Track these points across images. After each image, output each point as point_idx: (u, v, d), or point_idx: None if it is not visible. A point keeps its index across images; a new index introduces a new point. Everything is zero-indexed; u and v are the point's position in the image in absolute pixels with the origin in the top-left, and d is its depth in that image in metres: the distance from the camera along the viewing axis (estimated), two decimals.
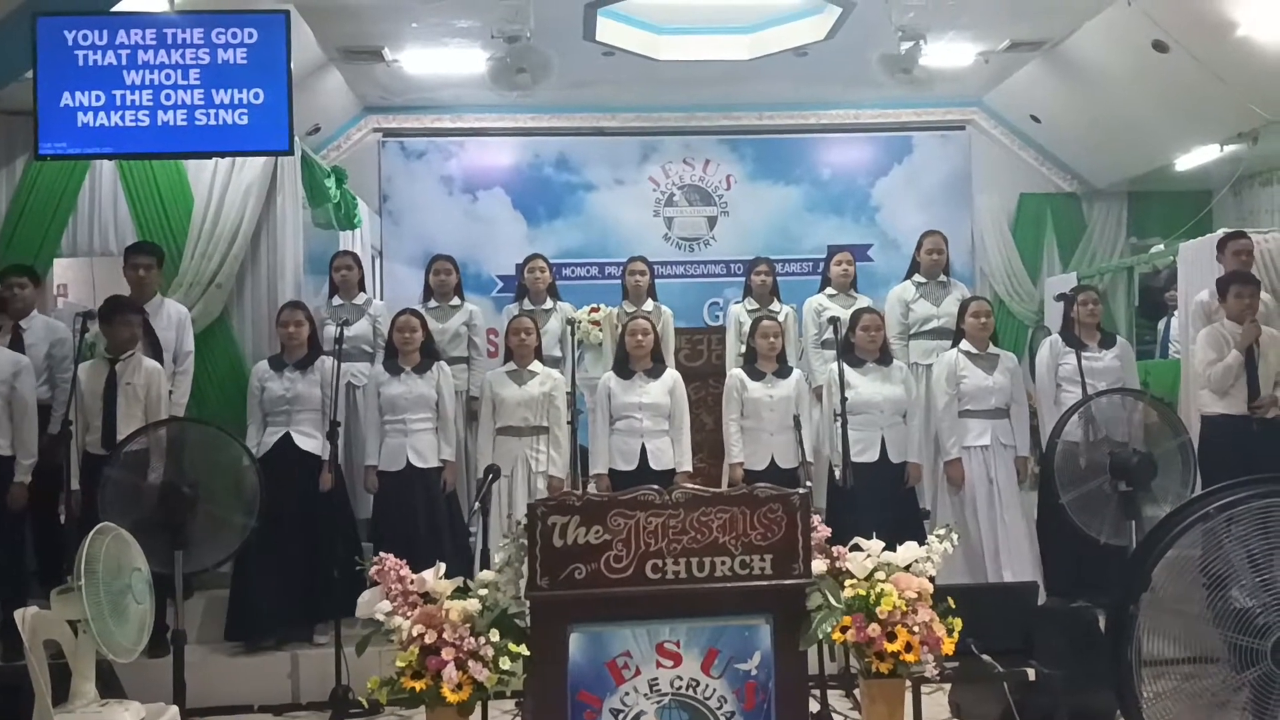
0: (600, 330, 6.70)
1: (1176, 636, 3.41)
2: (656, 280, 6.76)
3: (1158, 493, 4.88)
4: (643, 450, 5.46)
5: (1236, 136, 7.66)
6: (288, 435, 5.41)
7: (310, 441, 5.42)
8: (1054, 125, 9.01)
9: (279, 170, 6.25)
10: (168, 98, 5.19)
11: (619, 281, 6.78)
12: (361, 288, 6.42)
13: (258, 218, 6.23)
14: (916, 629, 3.51)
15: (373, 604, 3.57)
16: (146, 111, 5.19)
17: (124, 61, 5.16)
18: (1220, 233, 6.42)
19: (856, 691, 4.53)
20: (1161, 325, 8.52)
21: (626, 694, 3.30)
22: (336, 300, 6.30)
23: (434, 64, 7.88)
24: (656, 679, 3.31)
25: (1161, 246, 8.76)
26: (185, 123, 5.21)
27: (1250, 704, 3.34)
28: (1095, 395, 5.24)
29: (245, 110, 5.20)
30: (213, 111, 5.20)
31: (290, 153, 5.50)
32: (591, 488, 5.41)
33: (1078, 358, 5.58)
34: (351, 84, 8.35)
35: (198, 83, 5.20)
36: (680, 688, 3.32)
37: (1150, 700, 3.40)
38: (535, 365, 5.70)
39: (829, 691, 4.47)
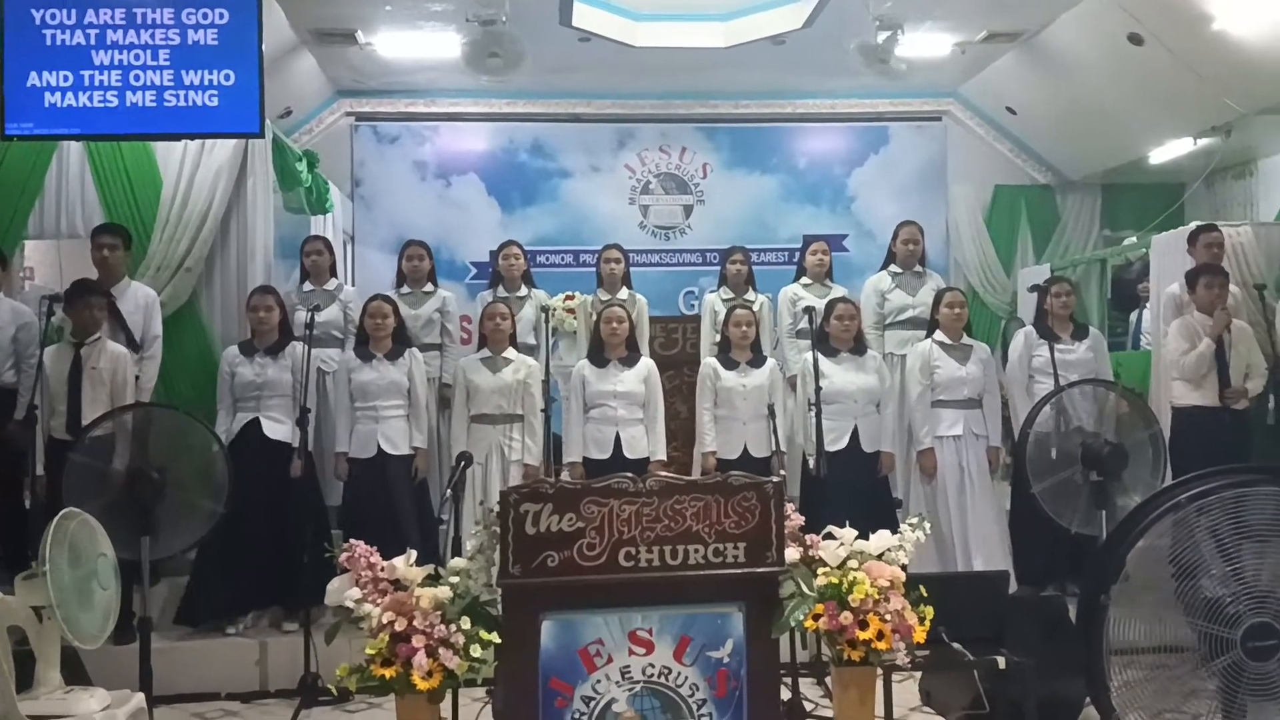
0: (575, 318, 6.68)
1: (1146, 626, 3.44)
2: (632, 268, 6.73)
3: (1128, 483, 4.92)
4: (617, 439, 5.45)
5: (1210, 130, 7.70)
6: (257, 421, 5.37)
7: (280, 428, 5.38)
8: (1029, 117, 9.04)
9: (249, 153, 6.18)
10: (137, 78, 5.10)
11: (594, 269, 6.75)
12: (333, 273, 6.36)
13: (228, 201, 6.16)
14: (888, 617, 3.51)
15: (342, 591, 3.54)
16: (115, 92, 5.10)
17: (92, 41, 5.07)
18: (1192, 225, 6.45)
19: (828, 679, 4.54)
20: (1133, 317, 8.58)
21: (598, 681, 3.29)
22: (307, 285, 6.25)
23: (408, 47, 7.81)
24: (628, 666, 3.31)
25: (1134, 239, 8.81)
26: (154, 104, 5.12)
27: (1219, 692, 3.37)
28: (1067, 386, 5.27)
29: (216, 92, 5.12)
30: (182, 93, 5.12)
31: (261, 135, 5.42)
32: (565, 476, 5.39)
33: (1050, 349, 5.61)
34: (324, 67, 8.27)
35: (167, 63, 5.12)
36: (652, 675, 3.32)
37: (1119, 688, 3.42)
38: (510, 352, 5.67)
39: (800, 679, 4.47)
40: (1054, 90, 8.30)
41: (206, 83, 5.12)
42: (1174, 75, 7.15)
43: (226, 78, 5.12)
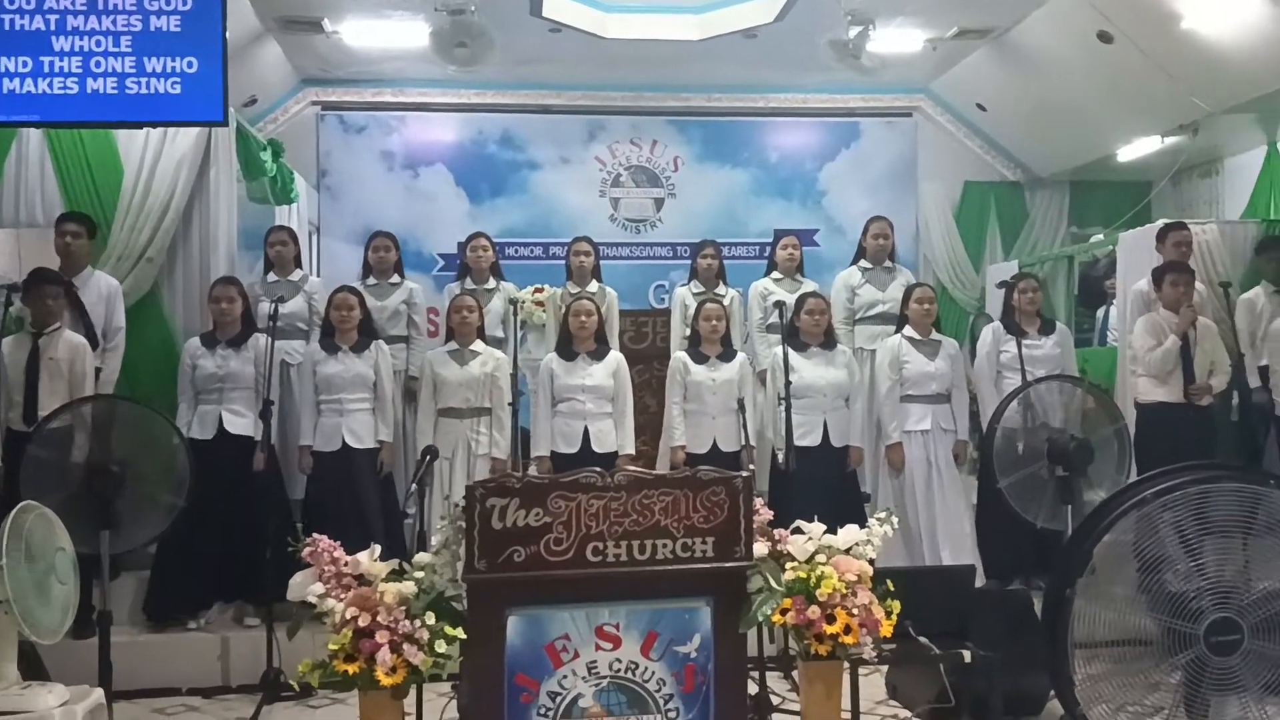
0: (543, 311, 6.66)
1: (1111, 620, 3.46)
2: (602, 261, 6.71)
3: (1094, 478, 4.95)
4: (585, 433, 5.43)
5: (1177, 128, 7.76)
6: (220, 414, 5.31)
7: (242, 421, 5.32)
8: (999, 114, 9.08)
9: (213, 142, 6.10)
10: (98, 65, 5.00)
11: (563, 262, 6.72)
12: (297, 264, 6.29)
13: (190, 190, 6.06)
14: (856, 611, 3.51)
15: (305, 586, 3.49)
16: (75, 79, 4.99)
17: (52, 27, 4.96)
18: (1160, 223, 6.50)
19: (795, 674, 4.54)
20: (1100, 314, 8.64)
21: (564, 677, 3.28)
22: (271, 276, 6.17)
23: (375, 36, 7.73)
24: (595, 661, 3.30)
25: (1101, 236, 8.87)
26: (116, 91, 5.02)
27: (1182, 686, 3.39)
28: (1034, 381, 5.29)
29: (178, 79, 5.03)
30: (144, 80, 5.02)
31: (225, 124, 5.36)
32: (532, 470, 5.36)
33: (1018, 345, 5.64)
34: (290, 55, 8.17)
35: (129, 50, 5.01)
36: (619, 670, 3.31)
37: (1083, 682, 3.44)
38: (477, 345, 5.63)
39: (767, 674, 4.47)
40: (1024, 87, 8.34)
41: (169, 70, 5.02)
42: (1143, 73, 7.20)
43: (189, 65, 5.03)
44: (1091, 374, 5.85)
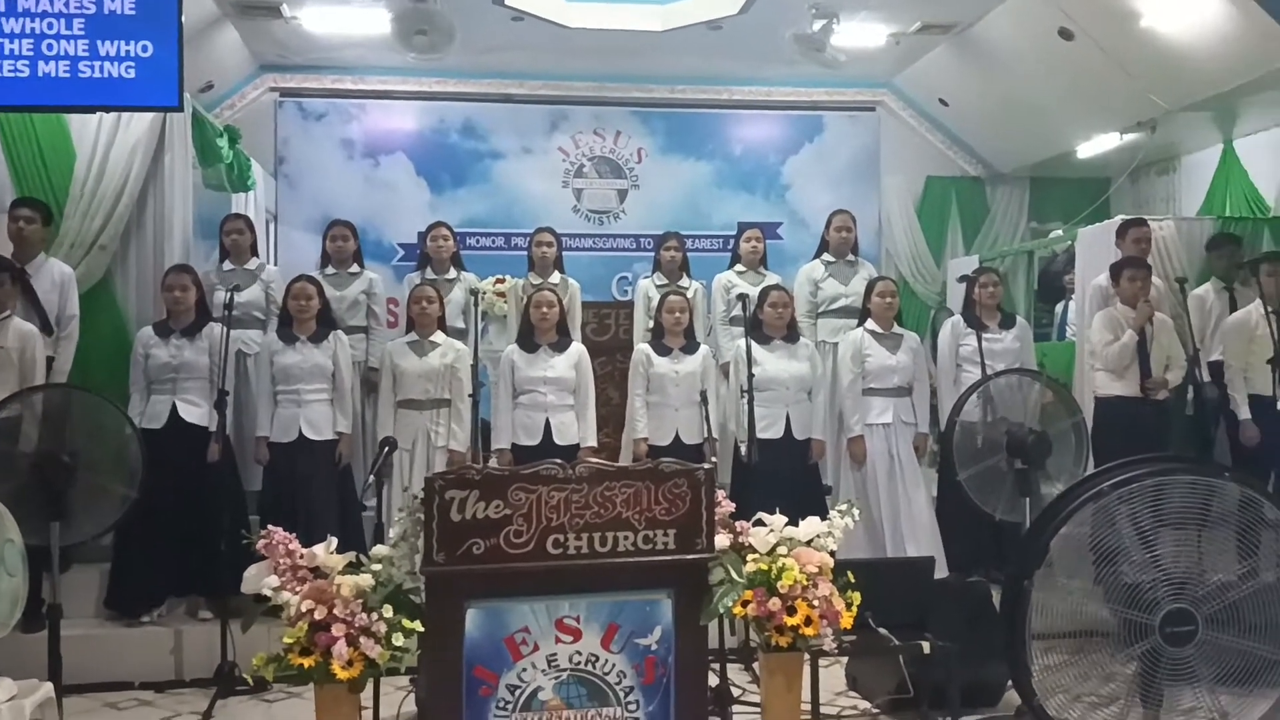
0: (505, 302, 6.61)
1: (1068, 611, 3.48)
2: (565, 253, 6.67)
3: (1052, 471, 4.99)
4: (547, 425, 5.40)
5: (1136, 125, 7.83)
6: (173, 404, 5.23)
7: (197, 411, 5.24)
8: (961, 109, 9.13)
9: (168, 128, 5.99)
10: (49, 48, 4.90)
11: (525, 253, 6.68)
12: (254, 252, 6.20)
13: (144, 177, 5.95)
14: (816, 603, 3.52)
15: (260, 579, 3.47)
16: (26, 62, 4.89)
17: (2, 8, 4.86)
18: (1119, 219, 6.56)
19: (756, 665, 4.54)
20: (1059, 308, 8.72)
21: (524, 670, 3.27)
22: (227, 265, 6.08)
23: (335, 22, 7.63)
24: (555, 654, 3.29)
25: (1060, 232, 8.95)
26: (68, 74, 4.92)
27: (1137, 676, 3.43)
28: (994, 375, 5.33)
29: (133, 63, 4.94)
30: (98, 64, 4.93)
31: (180, 109, 5.25)
32: (493, 462, 5.32)
33: (978, 338, 5.68)
34: (247, 40, 8.04)
35: (82, 33, 4.92)
36: (579, 663, 3.31)
37: (1041, 672, 3.47)
38: (438, 336, 5.59)
39: (728, 665, 4.47)
40: (985, 83, 8.39)
41: (123, 53, 4.93)
42: (1102, 71, 7.26)
43: (144, 49, 4.95)
44: (1050, 368, 5.89)
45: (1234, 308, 6.03)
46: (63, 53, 4.91)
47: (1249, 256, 6.20)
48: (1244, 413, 5.65)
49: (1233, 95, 6.95)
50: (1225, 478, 3.47)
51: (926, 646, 4.02)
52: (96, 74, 4.92)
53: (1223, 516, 3.43)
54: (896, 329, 5.83)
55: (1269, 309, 5.59)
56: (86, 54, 4.92)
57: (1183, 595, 3.40)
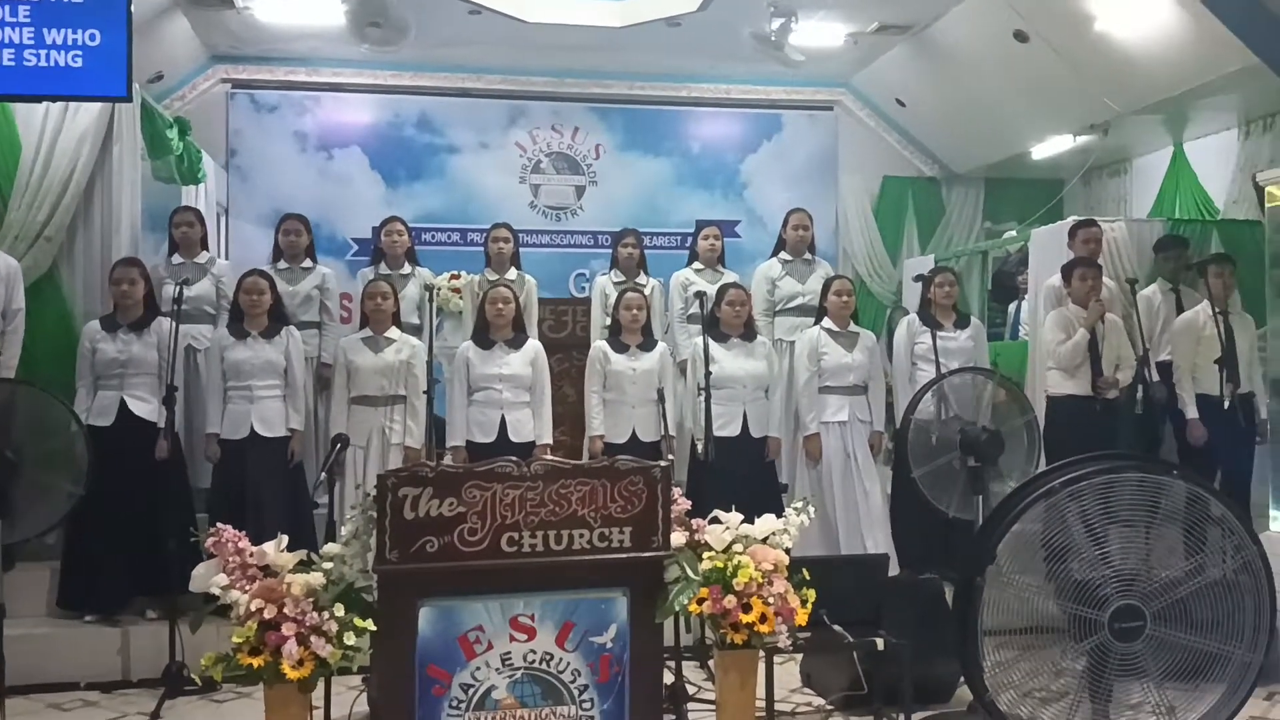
0: (460, 298, 6.56)
1: (1019, 607, 3.52)
2: (522, 249, 6.64)
3: (1004, 469, 5.04)
4: (502, 422, 5.37)
5: (1089, 128, 7.94)
6: (122, 400, 5.14)
7: (145, 407, 5.16)
8: (917, 110, 9.19)
9: (116, 118, 5.87)
10: None
11: (482, 248, 6.64)
12: (204, 246, 6.11)
13: (92, 168, 5.82)
14: (771, 600, 3.52)
15: (208, 577, 3.41)
16: None
17: None
18: (1071, 220, 6.64)
19: (711, 663, 4.54)
20: (1012, 308, 8.80)
21: (478, 668, 3.25)
22: (176, 259, 5.98)
23: (288, 13, 7.52)
24: (509, 653, 3.27)
25: (1014, 232, 9.04)
26: (13, 63, 4.83)
27: (1087, 672, 3.47)
28: (948, 374, 5.37)
29: (80, 52, 4.86)
30: (44, 52, 4.84)
31: (128, 99, 5.17)
32: (448, 460, 5.28)
33: (933, 337, 5.72)
34: (199, 30, 7.92)
35: (28, 20, 4.83)
36: (534, 661, 3.29)
37: (992, 668, 3.50)
38: (393, 332, 5.54)
39: (684, 663, 4.46)
40: (942, 84, 8.46)
41: (70, 42, 4.85)
42: (1056, 73, 7.34)
43: (92, 37, 4.86)
44: (1003, 367, 5.96)
45: (1180, 309, 6.13)
46: (8, 40, 4.82)
47: (1198, 258, 6.30)
48: (1191, 412, 5.74)
49: (1183, 99, 7.06)
50: (1173, 475, 3.53)
51: (880, 643, 4.04)
52: (43, 63, 4.84)
53: (1171, 514, 3.48)
54: (853, 327, 5.86)
55: (1216, 310, 5.68)
56: (32, 42, 4.83)
57: (1131, 591, 3.44)
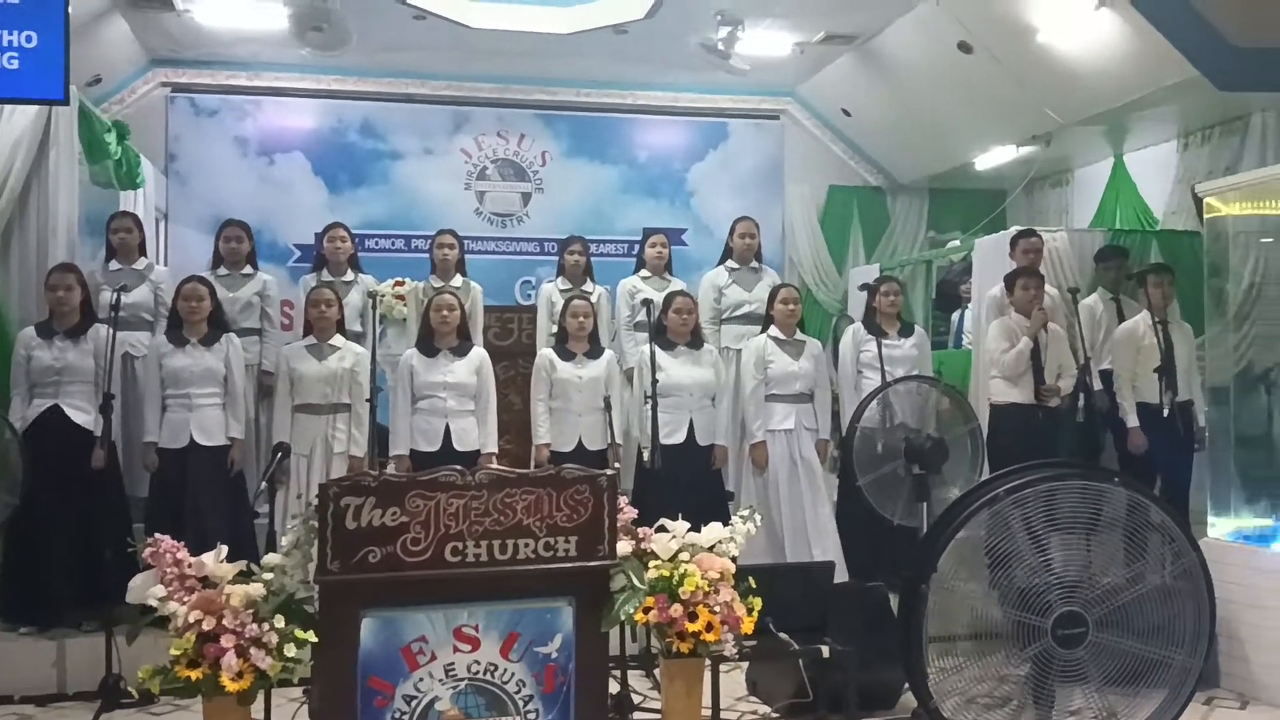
0: (404, 305, 6.49)
1: (963, 614, 3.54)
2: (467, 256, 6.59)
3: (949, 476, 5.09)
4: (446, 431, 5.32)
5: (1031, 139, 8.07)
6: (56, 408, 5.03)
7: (82, 415, 5.05)
8: (863, 120, 9.28)
9: (53, 121, 5.74)
10: None
11: (426, 255, 6.58)
12: (143, 252, 6.00)
13: (27, 172, 5.68)
14: (718, 609, 3.52)
15: (145, 588, 3.37)
16: None
17: None
18: (1013, 230, 6.72)
19: (657, 671, 4.53)
20: (955, 317, 8.90)
21: (421, 679, 3.22)
22: (114, 265, 5.87)
23: (229, 17, 7.43)
24: (453, 664, 3.25)
25: (958, 242, 9.15)
26: None
27: (1030, 678, 3.49)
28: (893, 382, 5.41)
29: (15, 54, 4.76)
30: None
31: (65, 103, 5.07)
32: (391, 469, 5.22)
33: (878, 345, 5.75)
34: (138, 33, 7.78)
35: None
36: (478, 672, 3.27)
37: (936, 675, 3.51)
38: (336, 339, 5.48)
39: (629, 672, 4.45)
40: (887, 94, 8.54)
41: (6, 44, 4.75)
42: (999, 84, 7.44)
43: (28, 39, 4.77)
44: (947, 375, 6.01)
45: (1122, 318, 6.22)
46: None
47: (1138, 268, 6.41)
48: (1132, 420, 5.82)
49: (1124, 111, 7.19)
50: (1114, 483, 3.57)
51: (826, 650, 4.06)
52: None
53: (1112, 521, 3.52)
54: (799, 335, 5.88)
55: (1156, 320, 5.77)
56: None
57: (1074, 598, 3.48)
